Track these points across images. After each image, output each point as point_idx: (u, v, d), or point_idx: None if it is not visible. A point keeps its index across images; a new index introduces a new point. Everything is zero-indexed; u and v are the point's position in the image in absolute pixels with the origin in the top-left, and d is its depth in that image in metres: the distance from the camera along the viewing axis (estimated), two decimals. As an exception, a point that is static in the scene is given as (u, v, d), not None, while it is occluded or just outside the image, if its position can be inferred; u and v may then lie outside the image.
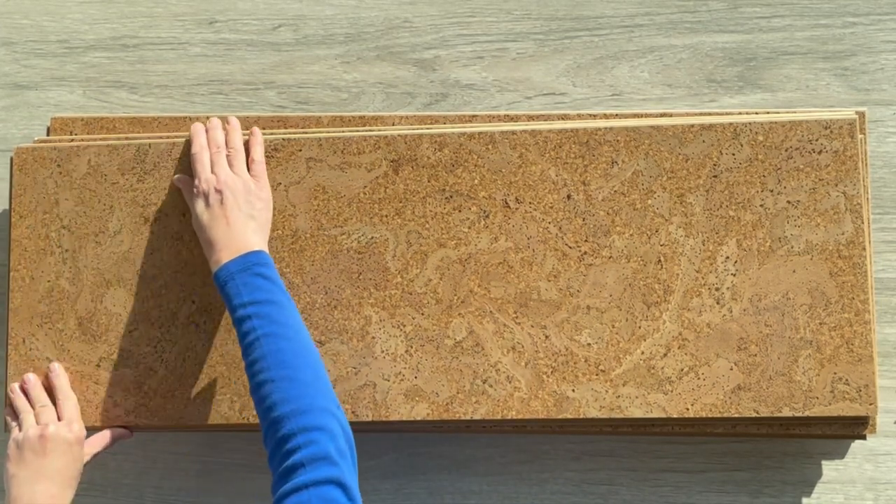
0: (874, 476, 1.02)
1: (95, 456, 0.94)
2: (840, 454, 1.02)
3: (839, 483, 1.02)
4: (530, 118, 0.98)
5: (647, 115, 0.98)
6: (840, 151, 0.91)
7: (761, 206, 0.91)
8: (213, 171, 0.91)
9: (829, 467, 1.02)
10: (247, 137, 0.95)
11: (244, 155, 0.93)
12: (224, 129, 0.94)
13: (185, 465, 1.07)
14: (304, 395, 0.79)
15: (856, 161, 0.90)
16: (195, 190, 0.90)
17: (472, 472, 1.04)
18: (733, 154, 0.92)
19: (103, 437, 0.95)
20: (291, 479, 0.74)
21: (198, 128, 0.94)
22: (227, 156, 0.92)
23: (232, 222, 0.87)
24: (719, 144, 0.92)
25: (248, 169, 0.92)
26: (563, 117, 0.98)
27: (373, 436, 1.04)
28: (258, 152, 0.93)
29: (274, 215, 0.95)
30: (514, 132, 0.94)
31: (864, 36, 1.05)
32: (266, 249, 0.88)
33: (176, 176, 0.95)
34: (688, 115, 0.97)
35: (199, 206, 0.89)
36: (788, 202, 0.91)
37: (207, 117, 0.97)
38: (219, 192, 0.88)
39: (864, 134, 0.96)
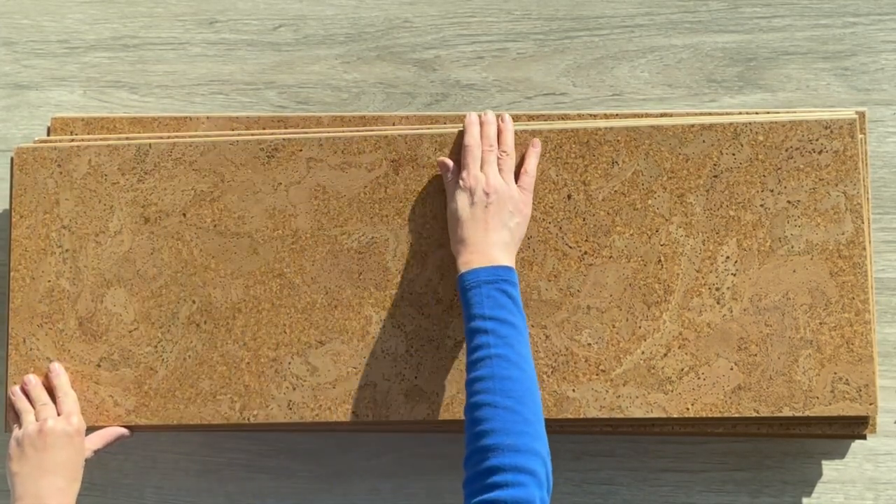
0: (874, 476, 1.02)
1: (96, 453, 0.94)
2: (840, 454, 1.02)
3: (839, 483, 1.02)
4: (530, 118, 0.98)
5: (647, 115, 0.98)
6: (840, 151, 0.91)
7: (761, 205, 0.91)
8: (482, 170, 0.89)
9: (829, 467, 1.02)
10: (525, 136, 0.93)
11: (514, 160, 0.91)
12: (498, 126, 0.93)
13: (186, 465, 1.07)
14: (524, 434, 0.76)
15: (856, 161, 0.90)
16: (461, 182, 0.89)
17: (473, 472, 1.04)
18: (733, 154, 0.92)
19: (103, 435, 0.95)
20: None
21: (472, 119, 0.92)
22: (499, 158, 0.90)
23: (491, 229, 0.86)
24: (719, 144, 0.92)
25: (517, 178, 0.91)
26: (564, 117, 0.98)
27: (373, 436, 1.04)
28: (532, 164, 0.92)
29: (274, 215, 0.95)
30: (514, 132, 0.94)
31: (864, 36, 1.05)
32: (514, 266, 0.86)
33: (442, 158, 0.93)
34: (688, 115, 0.97)
35: (462, 200, 0.88)
36: (789, 202, 0.91)
37: (484, 112, 0.93)
38: (487, 194, 0.87)
39: (865, 134, 0.96)
